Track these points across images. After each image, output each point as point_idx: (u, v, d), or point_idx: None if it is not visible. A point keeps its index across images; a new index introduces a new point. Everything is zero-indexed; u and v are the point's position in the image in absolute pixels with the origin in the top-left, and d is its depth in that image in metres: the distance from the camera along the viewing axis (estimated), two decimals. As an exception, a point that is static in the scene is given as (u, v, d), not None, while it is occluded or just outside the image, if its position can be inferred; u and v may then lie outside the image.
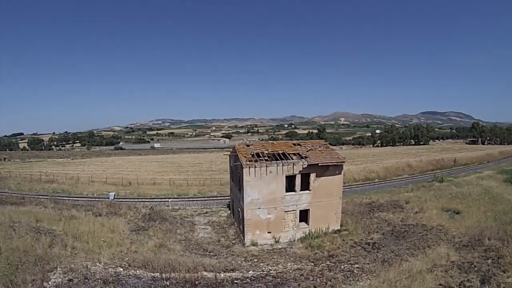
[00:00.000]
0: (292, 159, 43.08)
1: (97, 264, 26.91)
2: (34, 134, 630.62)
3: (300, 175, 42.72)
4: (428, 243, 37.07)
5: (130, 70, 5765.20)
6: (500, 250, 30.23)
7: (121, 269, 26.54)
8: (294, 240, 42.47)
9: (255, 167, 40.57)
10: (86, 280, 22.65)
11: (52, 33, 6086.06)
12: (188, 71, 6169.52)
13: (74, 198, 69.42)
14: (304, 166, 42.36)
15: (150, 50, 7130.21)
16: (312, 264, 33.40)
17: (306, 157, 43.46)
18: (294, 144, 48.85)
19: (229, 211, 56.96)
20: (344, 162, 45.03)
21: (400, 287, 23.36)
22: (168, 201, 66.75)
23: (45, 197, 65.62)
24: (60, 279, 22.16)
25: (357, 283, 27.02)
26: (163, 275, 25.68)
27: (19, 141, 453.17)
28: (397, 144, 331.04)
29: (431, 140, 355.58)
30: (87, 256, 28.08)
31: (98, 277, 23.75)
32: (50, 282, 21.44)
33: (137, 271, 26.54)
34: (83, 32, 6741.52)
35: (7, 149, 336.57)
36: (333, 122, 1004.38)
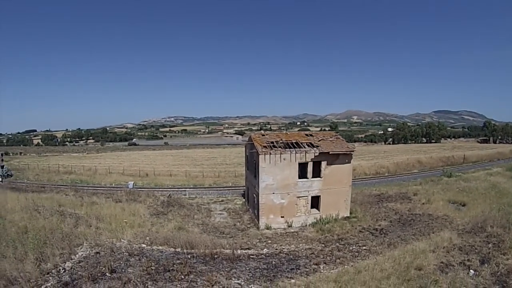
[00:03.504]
0: (305, 147, 44.98)
1: (122, 240, 28.79)
2: (47, 130, 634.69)
3: (312, 162, 44.64)
4: (433, 230, 37.88)
5: (143, 68, 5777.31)
6: (502, 236, 31.01)
7: (144, 245, 28.36)
8: (306, 225, 44.29)
9: (270, 154, 42.56)
10: (113, 253, 24.18)
11: (65, 32, 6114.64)
12: (201, 69, 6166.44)
13: (93, 187, 71.40)
14: (316, 154, 44.28)
15: (163, 48, 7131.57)
16: (323, 245, 34.93)
17: (317, 146, 45.33)
18: (307, 135, 50.61)
19: (243, 200, 58.91)
20: (353, 151, 46.76)
21: (404, 263, 24.59)
22: (185, 190, 68.93)
23: (64, 186, 67.60)
24: (88, 252, 23.81)
25: (364, 260, 28.63)
26: (185, 250, 27.58)
27: (32, 138, 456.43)
28: (409, 141, 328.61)
29: (442, 139, 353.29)
30: (111, 235, 29.66)
31: (123, 250, 25.49)
32: (77, 255, 22.99)
33: (160, 247, 28.40)
34: (96, 30, 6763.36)
35: (21, 145, 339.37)
36: (345, 120, 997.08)
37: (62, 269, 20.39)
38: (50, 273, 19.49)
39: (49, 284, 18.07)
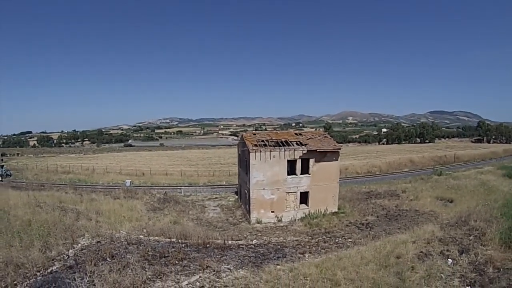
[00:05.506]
0: (293, 145, 46.99)
1: (121, 232, 30.62)
2: (42, 132, 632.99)
3: (300, 160, 46.73)
4: (418, 224, 38.65)
5: (138, 69, 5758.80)
6: (484, 229, 32.24)
7: (142, 236, 30.19)
8: (295, 220, 46.16)
9: (260, 151, 44.70)
10: (113, 242, 25.89)
11: (60, 32, 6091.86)
12: (196, 70, 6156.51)
13: (91, 186, 73.07)
14: (304, 152, 46.34)
15: (158, 49, 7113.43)
16: (310, 237, 36.76)
17: (305, 144, 47.37)
18: (296, 134, 52.87)
19: (236, 197, 60.88)
20: (340, 149, 48.92)
21: (384, 252, 26.23)
22: (180, 188, 70.66)
23: (63, 185, 68.92)
24: (89, 241, 25.54)
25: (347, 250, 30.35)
26: (179, 240, 29.42)
27: (28, 139, 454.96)
28: (403, 142, 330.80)
29: (436, 139, 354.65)
30: (111, 227, 31.34)
31: (122, 240, 27.27)
32: (79, 244, 24.61)
33: (156, 238, 30.22)
34: (90, 31, 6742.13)
35: (18, 147, 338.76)
36: (341, 121, 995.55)
37: (66, 255, 22.15)
38: (55, 259, 21.22)
39: (55, 267, 19.82)
